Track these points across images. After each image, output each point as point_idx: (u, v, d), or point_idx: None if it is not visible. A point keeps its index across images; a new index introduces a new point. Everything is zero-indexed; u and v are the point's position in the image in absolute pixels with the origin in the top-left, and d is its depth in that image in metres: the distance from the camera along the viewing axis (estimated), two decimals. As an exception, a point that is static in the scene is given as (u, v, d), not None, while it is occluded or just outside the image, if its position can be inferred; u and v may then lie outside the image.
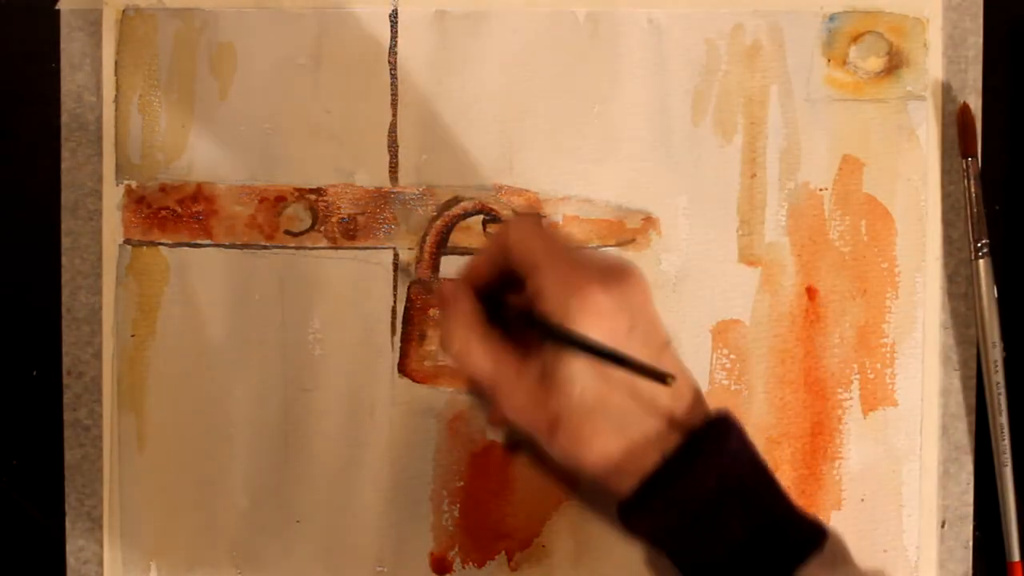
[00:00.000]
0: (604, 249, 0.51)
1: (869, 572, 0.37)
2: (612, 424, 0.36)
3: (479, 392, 0.39)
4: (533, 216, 0.39)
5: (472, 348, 0.39)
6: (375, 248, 0.51)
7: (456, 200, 0.51)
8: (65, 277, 0.52)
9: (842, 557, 0.37)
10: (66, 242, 0.52)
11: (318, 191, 0.51)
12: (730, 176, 0.51)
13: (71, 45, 0.52)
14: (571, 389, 0.36)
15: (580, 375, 0.36)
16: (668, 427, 0.37)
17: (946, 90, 0.51)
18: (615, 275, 0.37)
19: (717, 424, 0.37)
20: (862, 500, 0.51)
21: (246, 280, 0.51)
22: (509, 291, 0.40)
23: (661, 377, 0.35)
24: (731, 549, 0.36)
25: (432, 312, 0.51)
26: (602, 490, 0.38)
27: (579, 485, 0.39)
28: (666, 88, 0.51)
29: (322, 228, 0.51)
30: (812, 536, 0.37)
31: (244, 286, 0.51)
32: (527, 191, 0.51)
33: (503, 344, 0.39)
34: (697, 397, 0.38)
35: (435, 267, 0.51)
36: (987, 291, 0.50)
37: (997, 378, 0.50)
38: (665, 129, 0.51)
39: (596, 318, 0.36)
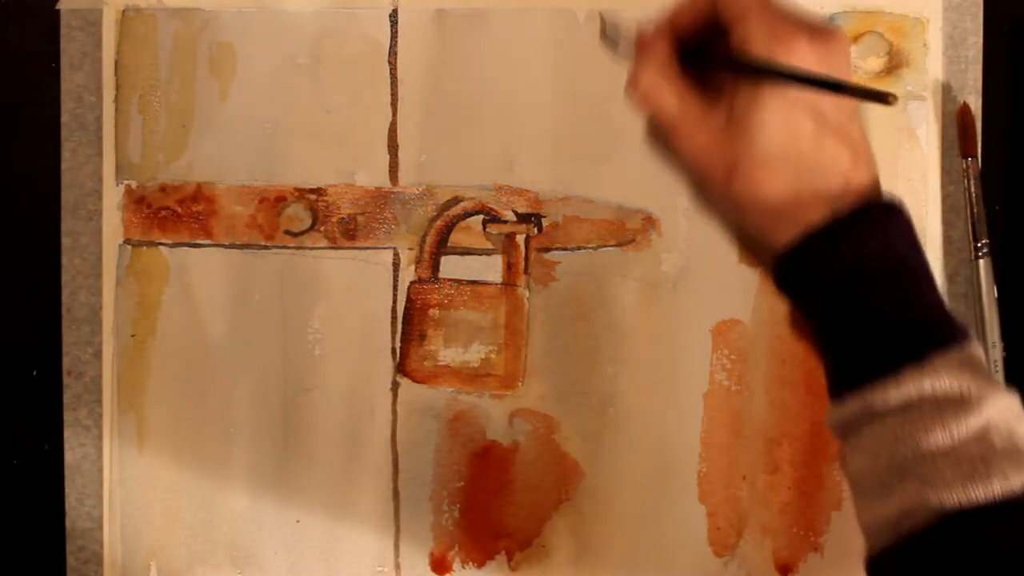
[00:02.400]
0: (604, 249, 0.51)
1: (1002, 385, 0.37)
2: (790, 173, 0.37)
3: (657, 135, 0.39)
4: None
5: (661, 84, 0.39)
6: (375, 248, 0.51)
7: (456, 200, 0.51)
8: (65, 277, 0.52)
9: (979, 363, 0.36)
10: (66, 242, 0.52)
11: (318, 191, 0.51)
12: (730, 176, 0.51)
13: (71, 45, 0.52)
14: (758, 133, 0.37)
15: (771, 121, 0.37)
16: (843, 189, 0.37)
17: (946, 90, 0.51)
18: (822, 34, 0.38)
19: (890, 204, 0.37)
20: (862, 500, 0.51)
21: (246, 280, 0.51)
22: (709, 43, 0.40)
23: (882, 97, 0.35)
24: (873, 318, 0.36)
25: (432, 312, 0.51)
26: (759, 239, 0.38)
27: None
28: (666, 88, 0.51)
29: (322, 228, 0.51)
30: (955, 332, 0.36)
31: (244, 286, 0.51)
32: (527, 191, 0.51)
33: (692, 87, 0.39)
34: (875, 176, 0.38)
35: (435, 267, 0.51)
36: (987, 291, 0.50)
37: (997, 378, 0.50)
38: (665, 129, 0.51)
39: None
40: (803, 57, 0.37)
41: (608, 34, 0.44)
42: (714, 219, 0.40)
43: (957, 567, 0.33)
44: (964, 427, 0.34)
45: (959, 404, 0.35)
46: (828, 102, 0.37)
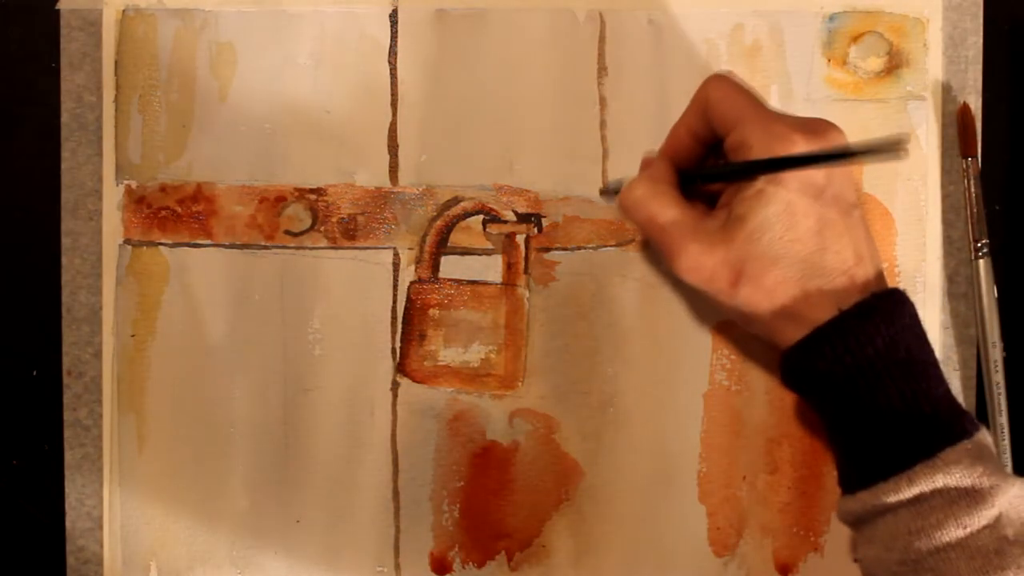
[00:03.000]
0: (604, 249, 0.51)
1: (1011, 475, 0.37)
2: (795, 273, 0.37)
3: (653, 248, 0.40)
4: (727, 75, 0.40)
5: (656, 197, 0.39)
6: (375, 248, 0.51)
7: (456, 200, 0.51)
8: (65, 277, 0.52)
9: (988, 453, 0.36)
10: (66, 242, 0.52)
11: (318, 191, 0.51)
12: (730, 176, 0.51)
13: (71, 45, 0.52)
14: (763, 230, 0.37)
15: (773, 220, 0.37)
16: (848, 286, 0.37)
17: (946, 90, 0.51)
18: (818, 128, 0.38)
19: (894, 294, 0.37)
20: (862, 500, 0.51)
21: (246, 280, 0.51)
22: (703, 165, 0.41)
23: (893, 147, 0.35)
24: (883, 415, 0.36)
25: (432, 312, 0.51)
26: (768, 339, 0.38)
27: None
28: (666, 88, 0.51)
29: (322, 228, 0.51)
30: (964, 424, 0.36)
31: (244, 286, 0.51)
32: (527, 191, 0.51)
33: (683, 201, 0.39)
34: (878, 267, 0.38)
35: (435, 267, 0.51)
36: (987, 291, 0.50)
37: (997, 378, 0.50)
38: (665, 129, 0.51)
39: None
40: (799, 148, 0.37)
41: (608, 190, 0.44)
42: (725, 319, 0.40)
43: None
44: (976, 520, 0.34)
45: (971, 497, 0.35)
46: (829, 200, 0.37)
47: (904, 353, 0.36)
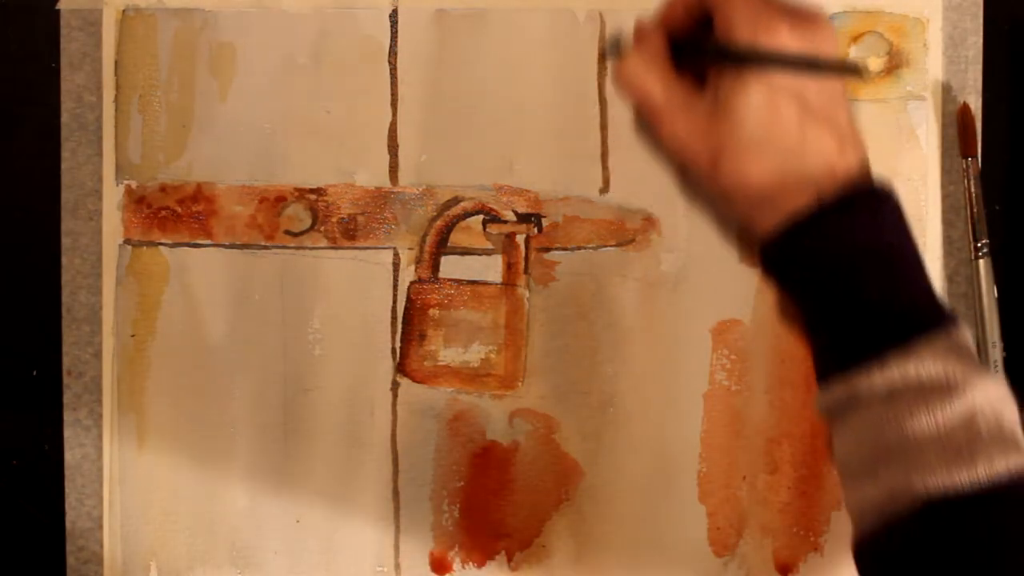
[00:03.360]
0: (604, 249, 0.51)
1: (989, 371, 0.36)
2: (776, 158, 0.37)
3: (643, 124, 0.40)
4: None
5: (647, 71, 0.39)
6: (375, 248, 0.51)
7: (456, 200, 0.51)
8: (65, 277, 0.52)
9: (967, 351, 0.36)
10: (66, 242, 0.52)
11: (318, 191, 0.51)
12: (730, 176, 0.51)
13: (71, 45, 0.52)
14: (743, 118, 0.37)
15: (755, 106, 0.37)
16: (828, 175, 0.37)
17: (946, 90, 0.51)
18: (804, 18, 0.38)
19: (878, 189, 0.37)
20: (862, 500, 0.51)
21: (246, 280, 0.51)
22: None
23: (856, 69, 0.36)
24: (859, 306, 0.36)
25: (432, 312, 0.51)
26: (746, 226, 0.38)
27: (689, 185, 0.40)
28: (666, 88, 0.51)
29: (322, 228, 0.51)
30: (943, 319, 0.36)
31: (244, 286, 0.51)
32: (527, 191, 0.51)
33: (679, 77, 0.39)
34: (863, 162, 0.38)
35: (435, 267, 0.51)
36: (987, 291, 0.50)
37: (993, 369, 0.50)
38: (665, 129, 0.51)
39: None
40: (786, 42, 0.37)
41: (612, 48, 0.44)
42: (701, 207, 0.40)
43: (941, 552, 0.33)
44: (949, 412, 0.34)
45: (944, 389, 0.35)
46: (813, 88, 0.37)
47: (884, 246, 0.36)
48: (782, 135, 0.37)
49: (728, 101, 0.37)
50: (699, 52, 0.39)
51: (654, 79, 0.39)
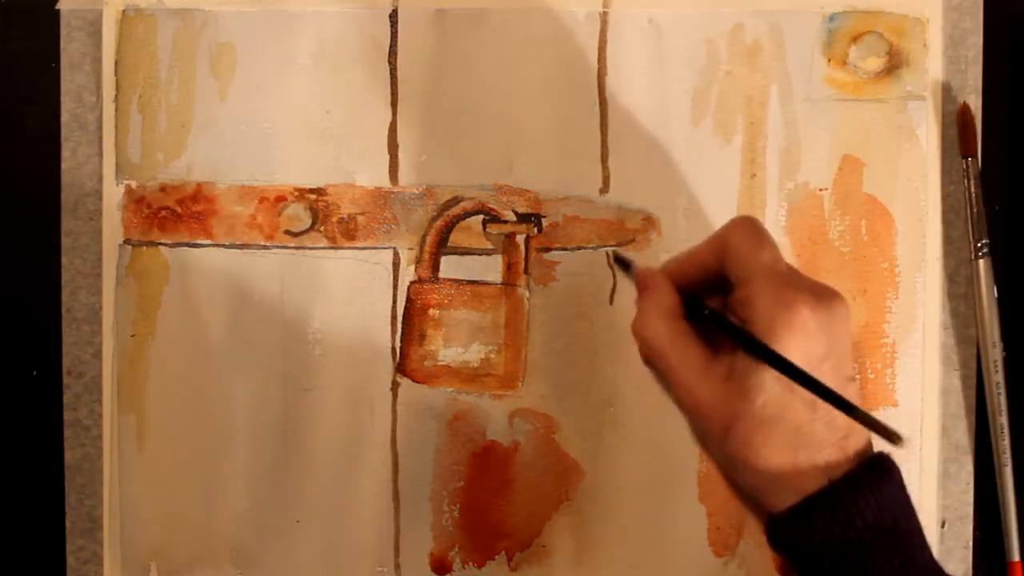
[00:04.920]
0: (604, 249, 0.51)
1: None
2: (786, 440, 0.37)
3: (654, 368, 0.40)
4: (753, 220, 0.40)
5: (663, 336, 0.39)
6: (375, 248, 0.51)
7: (456, 200, 0.51)
8: (65, 277, 0.52)
9: None
10: (66, 242, 0.52)
11: (318, 191, 0.51)
12: (730, 176, 0.51)
13: (71, 45, 0.52)
14: (756, 396, 0.37)
15: (769, 386, 0.37)
16: (839, 456, 0.37)
17: (946, 90, 0.51)
18: (824, 298, 0.38)
19: (881, 462, 0.38)
20: (862, 500, 0.51)
21: (246, 280, 0.52)
22: (708, 292, 0.41)
23: (890, 435, 0.36)
24: None
25: (432, 312, 0.51)
26: (753, 493, 0.38)
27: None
28: (666, 88, 0.51)
29: (322, 228, 0.51)
30: None
31: (244, 286, 0.51)
32: (527, 191, 0.51)
33: (694, 338, 0.39)
34: (868, 435, 0.39)
35: (435, 267, 0.51)
36: (987, 291, 0.50)
37: (997, 378, 0.50)
38: (665, 129, 0.51)
39: (800, 337, 0.37)
40: (805, 323, 0.37)
41: (620, 261, 0.44)
42: (708, 455, 0.40)
43: None
44: None
45: None
46: (825, 368, 0.37)
47: (891, 522, 0.37)
48: (795, 419, 0.37)
49: (744, 379, 0.37)
50: (716, 320, 0.39)
51: (668, 336, 0.39)
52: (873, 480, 0.37)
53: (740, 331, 0.38)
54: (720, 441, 0.38)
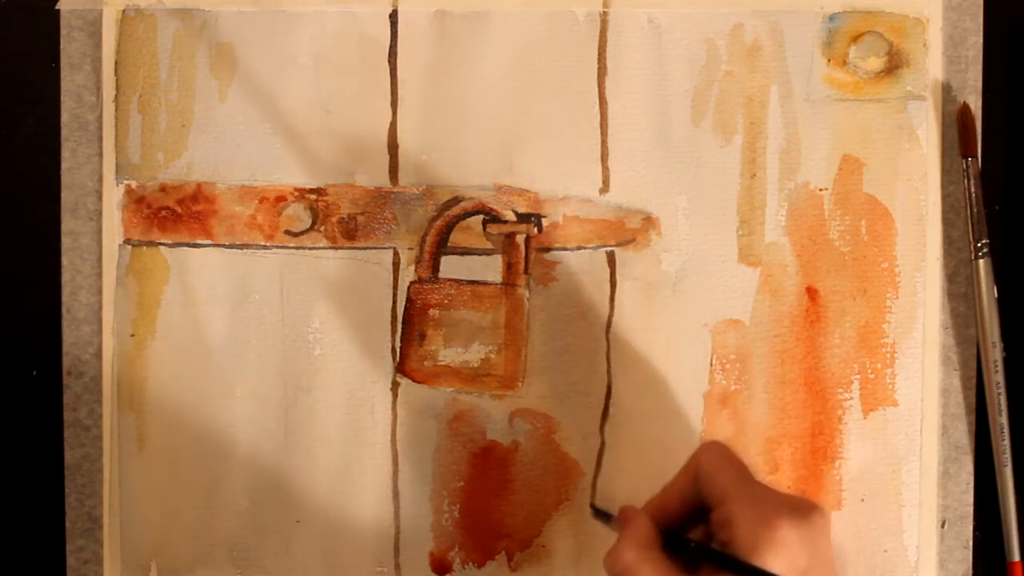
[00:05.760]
0: (604, 249, 0.51)
1: None
2: None
3: None
4: (721, 444, 0.42)
5: (634, 568, 0.39)
6: (375, 248, 0.51)
7: (456, 200, 0.51)
8: (65, 277, 0.52)
9: None
10: (66, 242, 0.52)
11: (318, 191, 0.51)
12: (730, 176, 0.51)
13: (71, 45, 0.52)
14: None
15: None
16: None
17: (946, 90, 0.51)
18: (803, 512, 0.38)
19: None
20: (862, 500, 0.51)
21: (246, 280, 0.52)
22: (692, 522, 0.42)
23: None
24: None
25: (432, 312, 0.51)
26: None
27: None
28: (666, 88, 0.51)
29: (322, 228, 0.51)
30: None
31: (244, 286, 0.51)
32: (527, 191, 0.51)
33: (667, 568, 0.39)
34: None
35: (435, 267, 0.51)
36: (987, 291, 0.50)
37: (997, 378, 0.50)
38: (665, 129, 0.51)
39: (782, 552, 0.37)
40: (786, 537, 0.37)
41: (600, 513, 0.45)
42: None
43: None
44: None
45: None
46: None
47: None
48: None
49: None
50: (696, 553, 0.40)
51: (640, 567, 0.39)
52: None
53: (726, 557, 0.38)
54: None
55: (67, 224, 0.52)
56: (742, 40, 0.51)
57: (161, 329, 0.52)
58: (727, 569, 0.38)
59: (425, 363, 0.51)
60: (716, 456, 0.41)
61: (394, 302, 0.51)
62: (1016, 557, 0.50)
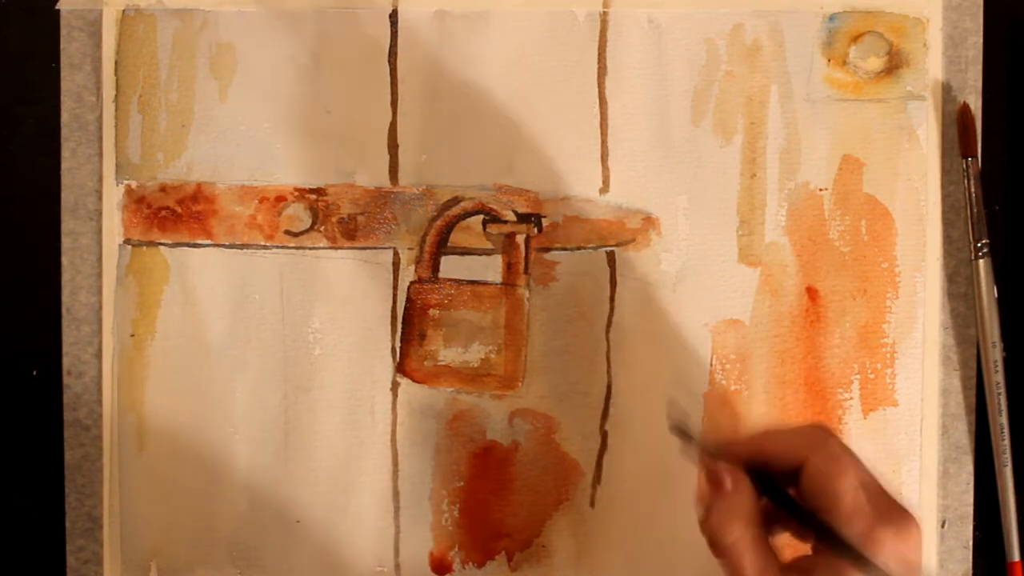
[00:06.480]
0: (604, 249, 0.51)
1: None
2: None
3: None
4: (838, 442, 0.39)
5: (745, 545, 0.39)
6: (375, 248, 0.51)
7: (456, 200, 0.51)
8: (65, 277, 0.52)
9: None
10: (66, 242, 0.52)
11: (318, 191, 0.51)
12: (730, 176, 0.51)
13: (71, 45, 0.52)
14: None
15: None
16: None
17: (946, 90, 0.51)
18: (901, 527, 0.38)
19: None
20: (862, 500, 0.51)
21: (246, 280, 0.51)
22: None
23: None
24: None
25: (432, 312, 0.51)
26: None
27: None
28: (666, 88, 0.51)
29: (322, 228, 0.51)
30: None
31: (244, 286, 0.51)
32: (527, 191, 0.51)
33: (770, 548, 0.39)
34: None
35: (435, 267, 0.51)
36: (987, 291, 0.50)
37: (997, 378, 0.50)
38: (665, 129, 0.51)
39: (880, 570, 0.37)
40: (885, 556, 0.37)
41: (677, 424, 0.43)
42: None
43: None
44: None
45: None
46: None
47: None
48: None
49: None
50: (803, 518, 0.39)
51: (751, 546, 0.38)
52: None
53: (822, 524, 0.37)
54: None
55: (67, 224, 0.52)
56: (742, 40, 0.51)
57: (161, 329, 0.52)
58: (816, 533, 0.37)
59: (425, 363, 0.51)
60: (828, 459, 0.39)
61: (394, 302, 0.51)
62: (1016, 557, 0.50)
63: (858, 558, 0.37)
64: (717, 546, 0.39)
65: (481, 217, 0.51)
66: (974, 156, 0.51)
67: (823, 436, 0.39)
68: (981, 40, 0.51)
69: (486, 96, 0.51)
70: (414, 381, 0.51)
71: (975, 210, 0.50)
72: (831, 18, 0.51)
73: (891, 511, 0.38)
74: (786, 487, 0.40)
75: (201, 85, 0.52)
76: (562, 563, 0.51)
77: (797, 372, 0.51)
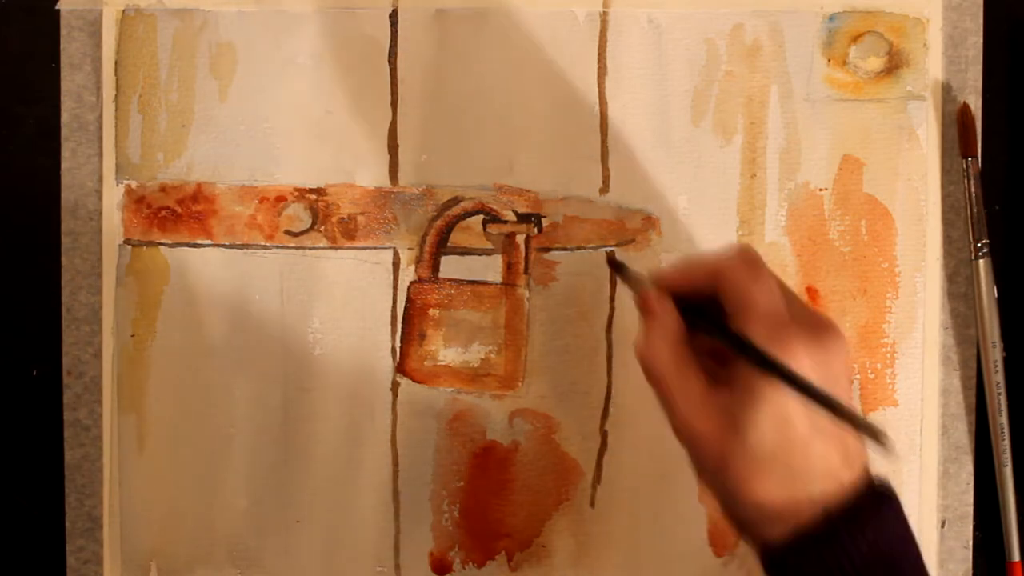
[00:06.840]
0: (604, 249, 0.51)
1: None
2: (783, 477, 0.37)
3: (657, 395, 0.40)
4: (752, 253, 0.40)
5: (666, 363, 0.39)
6: (375, 248, 0.51)
7: (456, 200, 0.51)
8: (65, 277, 0.52)
9: None
10: (66, 242, 0.52)
11: (318, 191, 0.51)
12: (730, 176, 0.51)
13: (71, 45, 0.52)
14: (751, 433, 0.37)
15: (765, 423, 0.37)
16: (834, 490, 0.37)
17: (946, 90, 0.51)
18: (821, 335, 0.38)
19: (879, 492, 0.38)
20: (862, 500, 0.51)
21: (246, 280, 0.51)
22: (700, 304, 0.41)
23: (876, 435, 0.36)
24: None
25: (432, 312, 0.51)
26: (748, 525, 0.38)
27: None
28: (666, 88, 0.51)
29: (322, 228, 0.51)
30: None
31: (244, 286, 0.51)
32: (527, 191, 0.51)
33: (695, 368, 0.40)
34: (864, 463, 0.38)
35: (435, 267, 0.51)
36: (987, 291, 0.50)
37: (997, 378, 0.50)
38: (665, 129, 0.51)
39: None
40: (800, 363, 0.37)
41: (612, 264, 0.44)
42: (704, 482, 0.40)
43: None
44: None
45: None
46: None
47: (888, 556, 0.37)
48: (790, 455, 0.37)
49: (740, 411, 0.37)
50: (715, 333, 0.39)
51: (672, 364, 0.39)
52: (871, 510, 0.37)
53: (745, 343, 0.38)
54: (715, 473, 0.38)
55: (67, 224, 0.52)
56: (742, 40, 0.51)
57: (161, 329, 0.52)
58: (745, 356, 0.38)
59: (425, 363, 0.51)
60: (744, 267, 0.39)
61: (394, 302, 0.51)
62: (1016, 557, 0.50)
63: (776, 368, 0.37)
64: (648, 371, 0.40)
65: (481, 217, 0.51)
66: (974, 156, 0.51)
67: (742, 247, 0.40)
68: (981, 40, 0.51)
69: (486, 96, 0.51)
70: (414, 381, 0.51)
71: (975, 210, 0.50)
72: (831, 18, 0.51)
73: (809, 316, 0.39)
74: (717, 317, 0.40)
75: (201, 85, 0.52)
76: (562, 563, 0.51)
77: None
